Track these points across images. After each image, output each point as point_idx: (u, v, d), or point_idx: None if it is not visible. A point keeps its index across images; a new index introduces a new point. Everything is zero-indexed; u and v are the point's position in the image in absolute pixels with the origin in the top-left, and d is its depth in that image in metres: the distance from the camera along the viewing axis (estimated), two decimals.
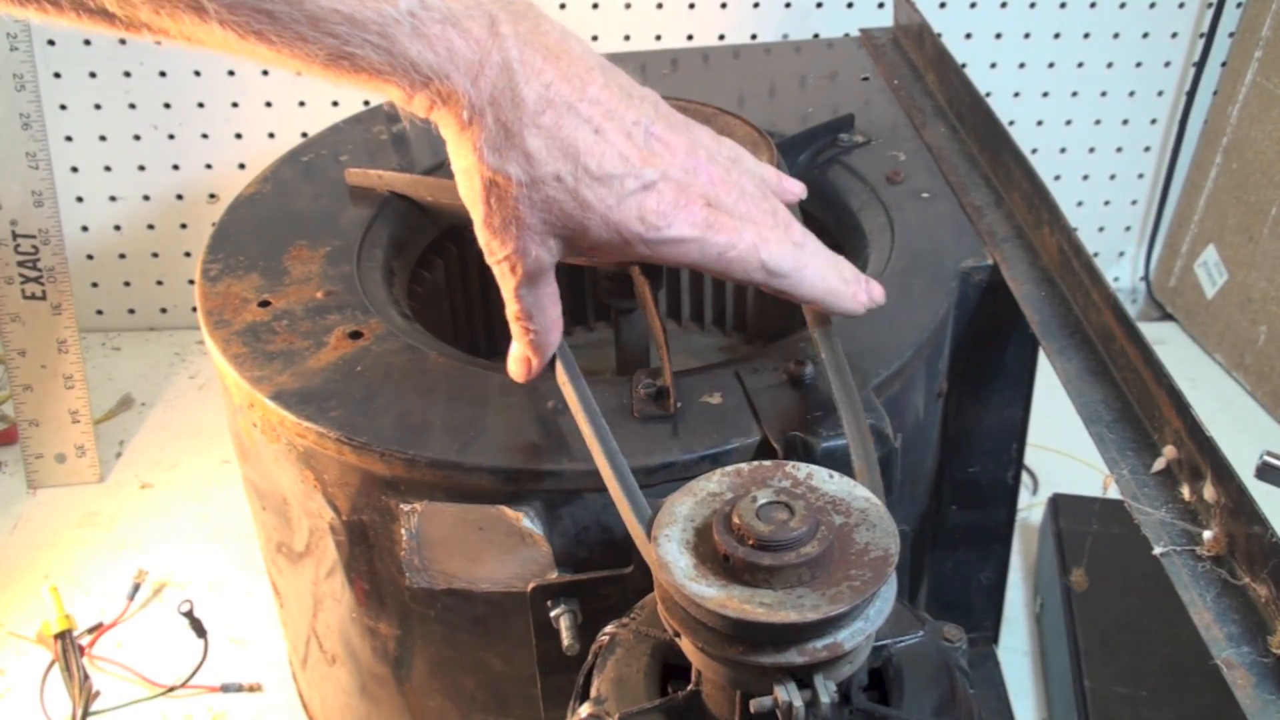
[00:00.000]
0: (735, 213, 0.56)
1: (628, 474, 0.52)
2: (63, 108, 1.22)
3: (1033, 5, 1.23)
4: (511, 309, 0.57)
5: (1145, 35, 1.26)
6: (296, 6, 0.44)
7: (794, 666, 0.41)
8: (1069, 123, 1.31)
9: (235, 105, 1.24)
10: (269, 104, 1.24)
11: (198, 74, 1.21)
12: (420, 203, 0.83)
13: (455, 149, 0.52)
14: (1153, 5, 1.24)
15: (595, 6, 1.22)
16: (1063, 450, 1.08)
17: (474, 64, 0.48)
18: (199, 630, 0.92)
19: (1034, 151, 1.31)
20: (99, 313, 1.36)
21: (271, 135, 1.26)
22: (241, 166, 1.28)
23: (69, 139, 1.25)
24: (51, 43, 1.19)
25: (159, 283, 1.35)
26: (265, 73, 1.22)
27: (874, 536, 0.44)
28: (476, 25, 0.48)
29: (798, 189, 0.66)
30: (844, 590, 0.41)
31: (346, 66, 0.47)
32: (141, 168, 1.27)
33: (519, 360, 0.60)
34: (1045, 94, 1.29)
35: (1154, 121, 1.31)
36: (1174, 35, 1.26)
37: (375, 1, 0.45)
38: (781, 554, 0.42)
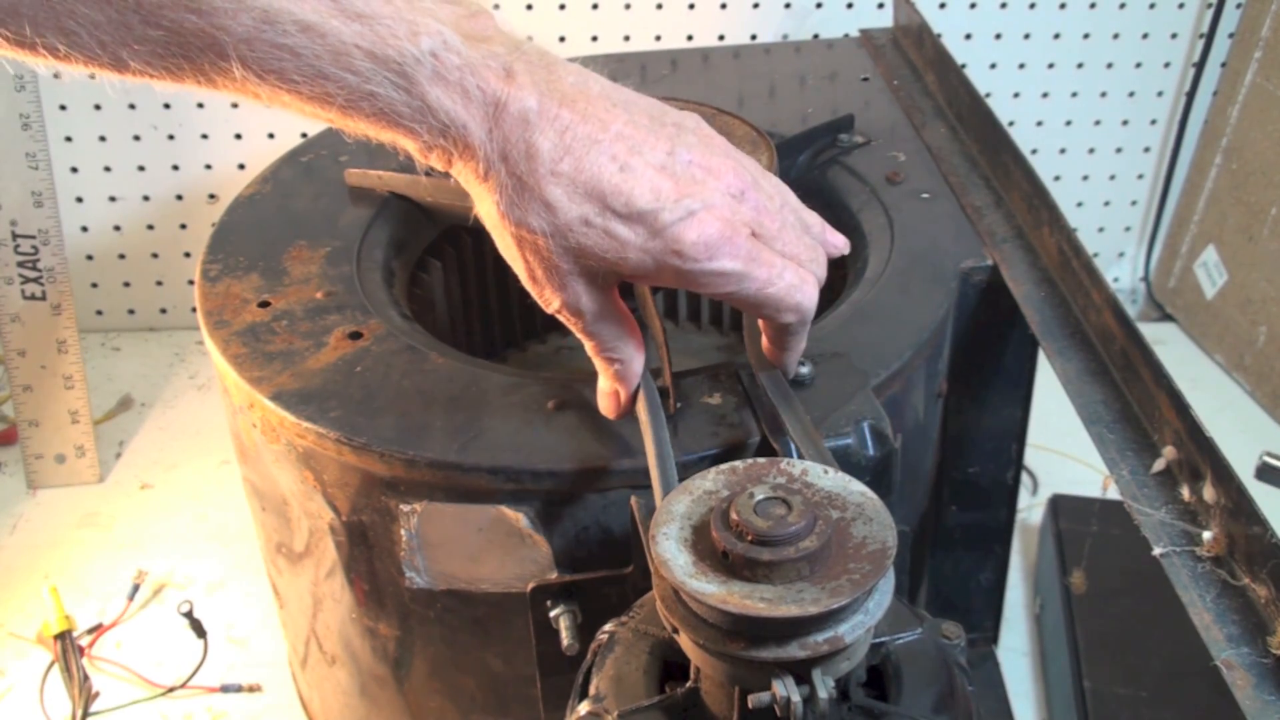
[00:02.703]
0: (777, 243, 0.54)
1: None
2: (63, 108, 1.23)
3: (1033, 6, 1.24)
4: (589, 347, 0.56)
5: (1145, 35, 1.26)
6: (319, 41, 0.44)
7: (794, 661, 0.41)
8: (1069, 123, 1.31)
9: (235, 105, 1.24)
10: None
11: None
12: (420, 203, 0.83)
13: (480, 204, 0.51)
14: (1153, 5, 1.24)
15: (595, 7, 1.22)
16: (1063, 450, 1.08)
17: (489, 114, 0.48)
18: (199, 630, 0.91)
19: (1034, 152, 1.31)
20: (99, 313, 1.36)
21: (271, 135, 1.26)
22: (241, 166, 1.28)
23: (69, 139, 1.25)
24: None
25: (159, 283, 1.35)
26: None
27: (871, 530, 0.44)
28: (492, 74, 0.47)
29: (840, 243, 0.60)
30: (844, 583, 0.41)
31: (366, 109, 0.46)
32: (141, 168, 1.27)
33: (607, 395, 0.58)
34: (1045, 94, 1.29)
35: (1154, 122, 1.31)
36: (1174, 35, 1.26)
37: (397, 40, 0.45)
38: (781, 549, 0.42)
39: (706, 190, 0.51)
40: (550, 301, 0.53)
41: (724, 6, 1.23)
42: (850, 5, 1.24)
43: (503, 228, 0.51)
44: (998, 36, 1.25)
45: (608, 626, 0.50)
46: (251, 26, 0.43)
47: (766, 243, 0.53)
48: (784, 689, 0.41)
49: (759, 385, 0.62)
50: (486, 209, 0.51)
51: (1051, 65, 1.27)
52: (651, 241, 0.50)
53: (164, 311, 1.37)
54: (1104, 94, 1.29)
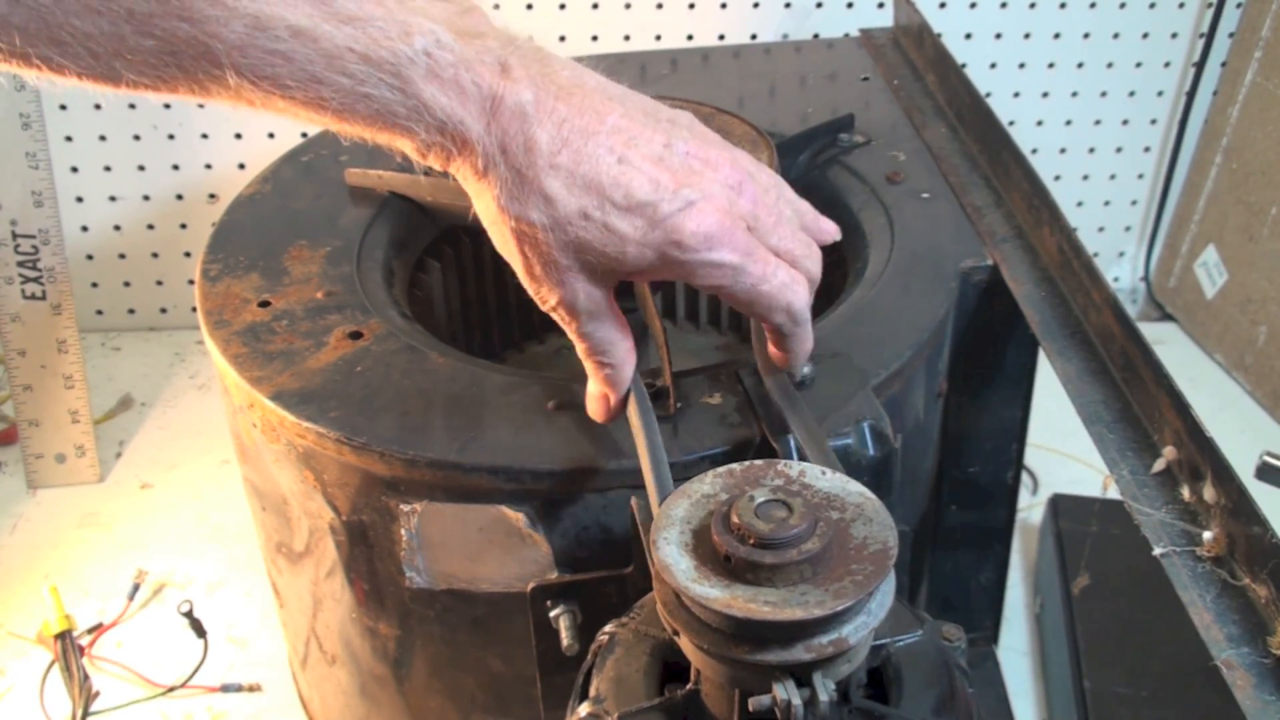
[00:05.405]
0: (773, 237, 0.54)
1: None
2: (63, 108, 1.22)
3: (1033, 5, 1.23)
4: (580, 349, 0.56)
5: (1145, 35, 1.26)
6: (311, 45, 0.44)
7: (799, 664, 0.41)
8: (1069, 123, 1.31)
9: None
10: None
11: None
12: (420, 203, 0.83)
13: (477, 201, 0.51)
14: (1153, 5, 1.24)
15: (595, 7, 1.22)
16: (1063, 450, 1.08)
17: (486, 109, 0.47)
18: (199, 630, 0.91)
19: (1034, 151, 1.31)
20: (99, 313, 1.36)
21: (271, 135, 1.26)
22: (241, 166, 1.28)
23: (69, 139, 1.25)
24: None
25: (159, 283, 1.35)
26: None
27: (871, 530, 0.44)
28: (487, 69, 0.47)
29: (832, 229, 0.60)
30: (847, 585, 0.41)
31: (361, 111, 0.46)
32: (141, 168, 1.27)
33: (596, 399, 0.58)
34: (1045, 94, 1.29)
35: (1154, 121, 1.31)
36: (1174, 35, 1.26)
37: (390, 41, 0.45)
38: (783, 552, 0.42)
39: (704, 181, 0.52)
40: (547, 299, 0.53)
41: (724, 6, 1.23)
42: (850, 5, 1.24)
43: (502, 222, 0.50)
44: (998, 36, 1.25)
45: (608, 627, 0.50)
46: (244, 33, 0.43)
47: (762, 236, 0.53)
48: (785, 692, 0.41)
49: (765, 389, 0.61)
50: (485, 204, 0.51)
51: (1051, 65, 1.27)
52: (651, 234, 0.50)
53: (164, 311, 1.37)
54: (1104, 93, 1.29)
